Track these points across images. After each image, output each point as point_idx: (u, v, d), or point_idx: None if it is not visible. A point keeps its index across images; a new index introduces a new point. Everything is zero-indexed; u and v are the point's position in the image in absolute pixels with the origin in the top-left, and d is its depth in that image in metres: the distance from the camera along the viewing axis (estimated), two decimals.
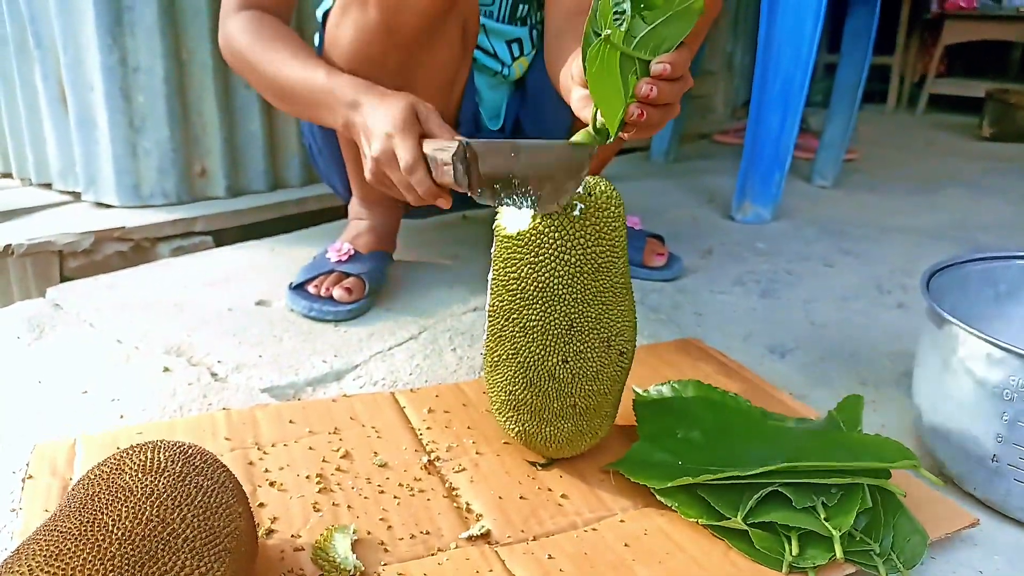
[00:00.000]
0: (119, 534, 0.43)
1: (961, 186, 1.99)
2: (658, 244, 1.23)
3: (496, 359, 0.65)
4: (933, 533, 0.60)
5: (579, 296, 0.61)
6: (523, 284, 0.61)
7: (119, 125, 1.35)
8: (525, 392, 0.64)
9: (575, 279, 0.60)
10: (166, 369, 0.85)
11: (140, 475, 0.47)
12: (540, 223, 0.59)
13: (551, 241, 0.59)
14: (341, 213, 1.26)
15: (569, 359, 0.62)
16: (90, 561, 0.41)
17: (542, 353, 0.62)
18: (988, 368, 0.64)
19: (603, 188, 0.61)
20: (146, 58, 1.34)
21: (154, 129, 1.38)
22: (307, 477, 0.67)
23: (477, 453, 0.71)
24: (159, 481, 0.47)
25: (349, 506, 0.63)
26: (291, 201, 1.52)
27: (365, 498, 0.64)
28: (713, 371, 0.88)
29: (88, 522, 0.43)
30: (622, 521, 0.63)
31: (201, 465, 0.50)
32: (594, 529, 0.62)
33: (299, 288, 1.03)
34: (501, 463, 0.70)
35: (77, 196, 1.46)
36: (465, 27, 0.95)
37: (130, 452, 0.50)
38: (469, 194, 0.66)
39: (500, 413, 0.68)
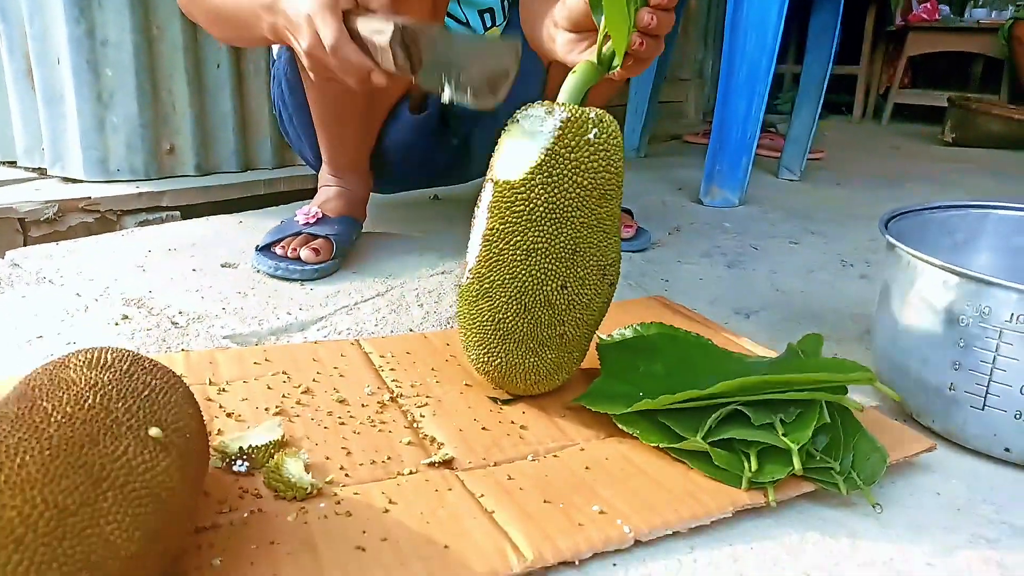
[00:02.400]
0: (58, 417, 0.41)
1: (924, 182, 2.03)
2: (626, 216, 1.24)
3: (485, 286, 0.64)
4: (892, 457, 0.60)
5: (585, 220, 0.61)
6: (532, 205, 0.60)
7: (87, 99, 1.34)
8: (516, 319, 0.63)
9: (584, 202, 0.60)
10: (125, 317, 0.83)
11: (85, 369, 0.46)
12: (556, 144, 0.60)
13: (567, 162, 0.59)
14: (312, 194, 1.25)
15: (568, 284, 0.62)
16: (26, 439, 0.39)
17: (542, 277, 0.61)
18: (943, 295, 0.65)
19: (609, 119, 0.62)
20: (115, 31, 1.33)
21: (123, 104, 1.36)
22: (266, 409, 0.65)
23: (439, 391, 0.71)
24: (104, 375, 0.46)
25: (308, 436, 0.62)
26: (261, 181, 1.51)
27: (325, 428, 0.63)
28: (677, 320, 0.88)
29: (27, 407, 0.42)
30: (583, 449, 0.63)
31: (150, 367, 0.49)
32: (555, 456, 0.62)
33: (265, 249, 1.02)
34: (464, 399, 0.70)
35: (43, 173, 1.43)
36: None
37: (77, 352, 0.48)
38: (412, 78, 0.68)
39: (480, 346, 0.67)
